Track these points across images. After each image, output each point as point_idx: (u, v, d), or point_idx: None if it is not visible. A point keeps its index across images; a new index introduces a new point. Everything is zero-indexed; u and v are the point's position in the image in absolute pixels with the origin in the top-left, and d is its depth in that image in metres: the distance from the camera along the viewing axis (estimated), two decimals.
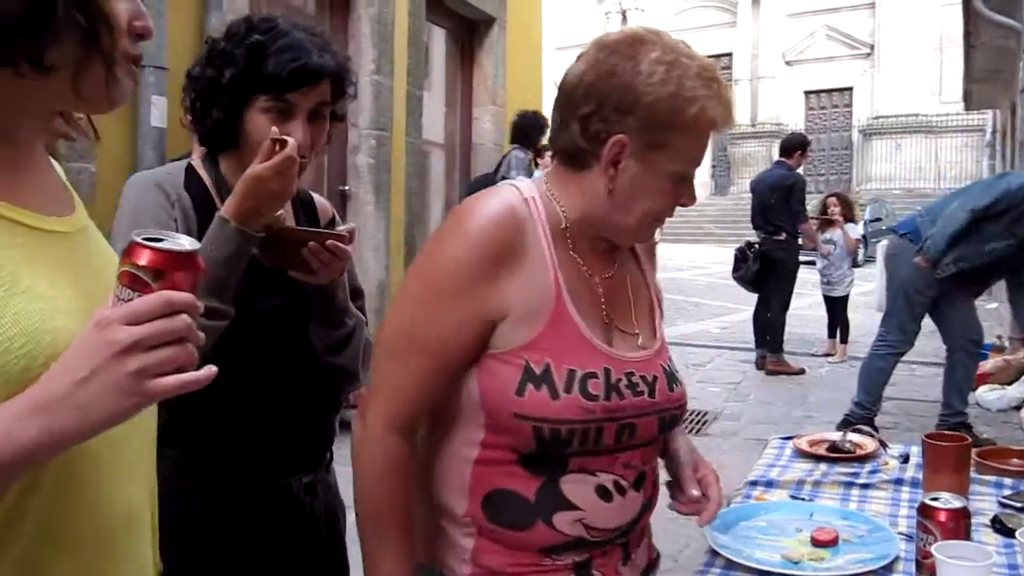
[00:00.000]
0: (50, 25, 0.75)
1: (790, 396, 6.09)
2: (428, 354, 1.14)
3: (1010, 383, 5.88)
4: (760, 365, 7.01)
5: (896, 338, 4.84)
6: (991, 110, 14.62)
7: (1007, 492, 1.62)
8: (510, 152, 6.45)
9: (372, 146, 5.95)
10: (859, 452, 1.84)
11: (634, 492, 1.20)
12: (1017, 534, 1.23)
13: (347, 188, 5.96)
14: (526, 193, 1.20)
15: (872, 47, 29.01)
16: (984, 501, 1.59)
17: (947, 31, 26.26)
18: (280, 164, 1.31)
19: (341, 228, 1.41)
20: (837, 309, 7.58)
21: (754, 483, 1.73)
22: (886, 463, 1.80)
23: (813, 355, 7.64)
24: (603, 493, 1.17)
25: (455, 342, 1.13)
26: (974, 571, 1.11)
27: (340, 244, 1.37)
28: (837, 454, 1.85)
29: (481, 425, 1.16)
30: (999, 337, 6.96)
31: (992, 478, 1.68)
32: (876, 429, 4.83)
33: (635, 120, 1.12)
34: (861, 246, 7.48)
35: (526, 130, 6.35)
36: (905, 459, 1.81)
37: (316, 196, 1.60)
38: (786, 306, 7.10)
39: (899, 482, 1.70)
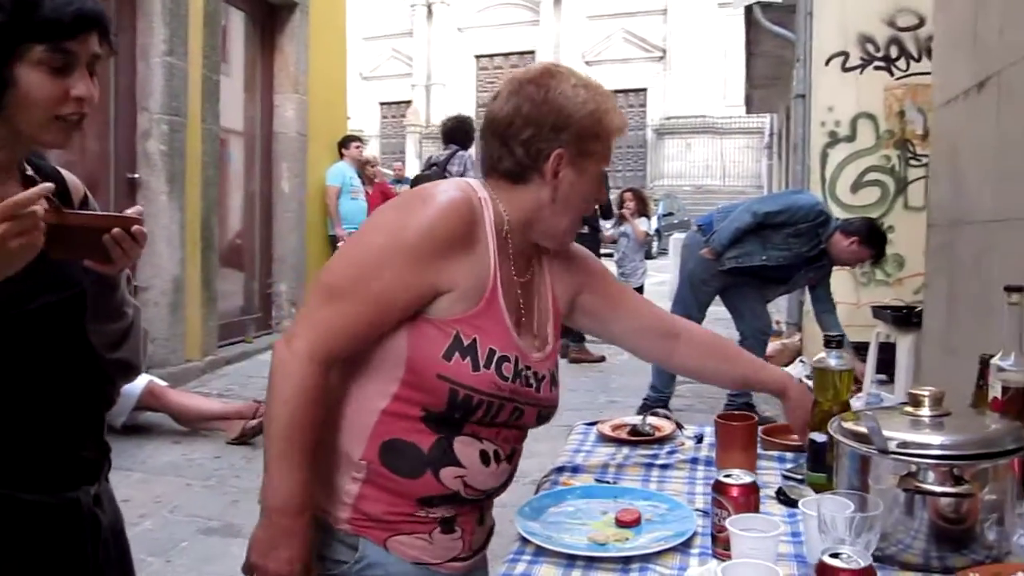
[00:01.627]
0: None
1: (593, 383, 6.32)
2: (370, 303, 1.27)
3: (787, 365, 6.39)
4: (564, 354, 7.23)
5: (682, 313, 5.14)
6: (769, 114, 15.81)
7: (789, 466, 1.73)
8: (457, 152, 6.72)
9: (165, 132, 5.61)
10: (658, 434, 1.92)
11: (506, 464, 1.41)
12: (800, 504, 1.31)
13: (137, 176, 5.59)
14: (478, 192, 1.39)
15: (664, 51, 30.66)
16: (770, 475, 1.69)
17: (731, 38, 28.21)
18: (24, 224, 1.08)
19: (130, 211, 1.27)
20: None
21: (560, 469, 1.76)
22: (683, 444, 1.89)
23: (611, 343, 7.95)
24: (484, 458, 1.36)
25: (400, 301, 1.28)
26: (764, 541, 1.18)
27: (142, 228, 1.25)
28: (638, 437, 1.91)
29: (397, 379, 1.31)
30: (777, 323, 7.54)
31: (775, 453, 1.80)
32: (671, 411, 5.13)
33: (568, 135, 1.36)
34: (655, 239, 7.85)
35: (465, 131, 6.81)
36: (699, 439, 1.90)
37: (65, 172, 1.42)
38: None
39: (695, 461, 1.78)
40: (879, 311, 4.76)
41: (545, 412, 1.44)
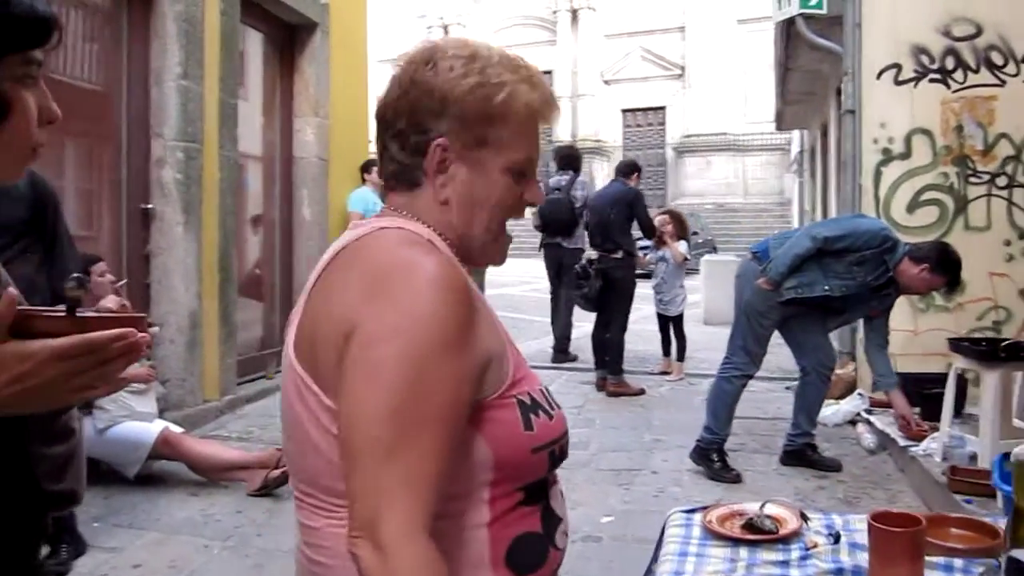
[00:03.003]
0: None
1: (635, 419, 5.93)
2: (444, 423, 0.99)
3: (841, 397, 5.99)
4: (600, 387, 6.85)
5: (741, 360, 4.73)
6: (797, 130, 15.43)
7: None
8: (577, 178, 7.47)
9: (180, 159, 5.31)
10: (782, 531, 1.56)
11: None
12: None
13: (151, 206, 5.28)
14: (418, 229, 1.11)
15: (683, 68, 30.39)
16: None
17: (751, 55, 27.91)
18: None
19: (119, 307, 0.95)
20: (673, 328, 7.56)
21: None
22: (815, 544, 1.52)
23: (650, 373, 7.57)
24: (562, 496, 1.19)
25: (464, 401, 1.02)
26: None
27: (148, 336, 0.91)
28: (758, 535, 1.55)
29: (487, 484, 1.07)
30: None
31: (939, 560, 1.43)
32: (726, 453, 4.74)
33: (448, 120, 1.09)
34: (687, 260, 7.50)
35: (577, 156, 7.74)
36: (836, 538, 1.53)
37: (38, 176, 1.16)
38: (626, 327, 6.99)
39: (839, 572, 1.42)
40: (958, 344, 4.36)
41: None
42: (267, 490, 4.15)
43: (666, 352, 7.65)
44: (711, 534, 1.59)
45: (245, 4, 6.06)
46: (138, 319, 0.89)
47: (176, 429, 4.41)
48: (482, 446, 1.05)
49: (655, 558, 1.64)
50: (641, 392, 6.77)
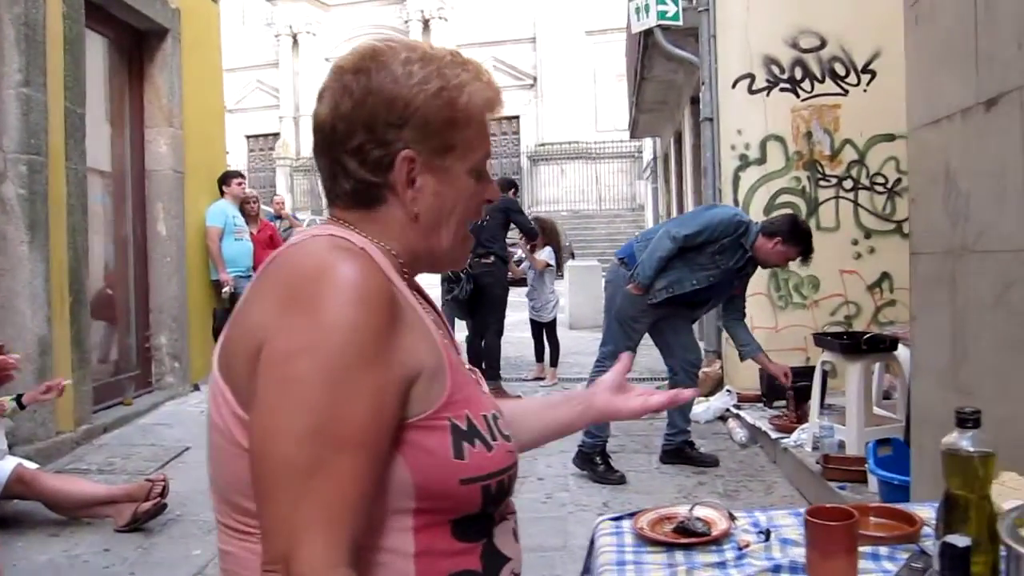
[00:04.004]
0: None
1: None
2: (364, 444, 0.91)
3: (711, 394, 6.21)
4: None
5: (612, 363, 4.81)
6: (649, 137, 15.96)
7: (887, 564, 1.42)
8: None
9: (23, 173, 4.92)
10: (713, 532, 1.57)
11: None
12: None
13: None
14: (351, 239, 1.02)
15: (535, 79, 30.92)
16: None
17: (600, 65, 28.74)
18: None
19: None
20: (547, 333, 7.64)
21: None
22: (747, 543, 1.54)
23: (524, 380, 7.63)
24: (515, 535, 1.11)
25: (384, 423, 0.94)
26: None
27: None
28: (691, 538, 1.55)
29: (409, 512, 0.98)
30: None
31: (867, 549, 1.47)
32: (608, 455, 4.81)
33: (412, 130, 1.03)
34: (548, 268, 7.58)
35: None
36: (767, 535, 1.56)
37: None
38: (501, 332, 7.02)
39: (777, 569, 1.44)
40: (822, 339, 4.60)
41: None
42: (137, 524, 3.89)
43: (539, 358, 7.73)
44: (644, 540, 1.58)
45: (89, 8, 5.69)
46: None
47: (30, 465, 4.06)
48: (401, 470, 0.96)
49: (588, 568, 1.62)
50: (518, 398, 6.79)
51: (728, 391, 6.04)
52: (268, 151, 32.29)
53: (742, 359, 5.03)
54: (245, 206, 7.77)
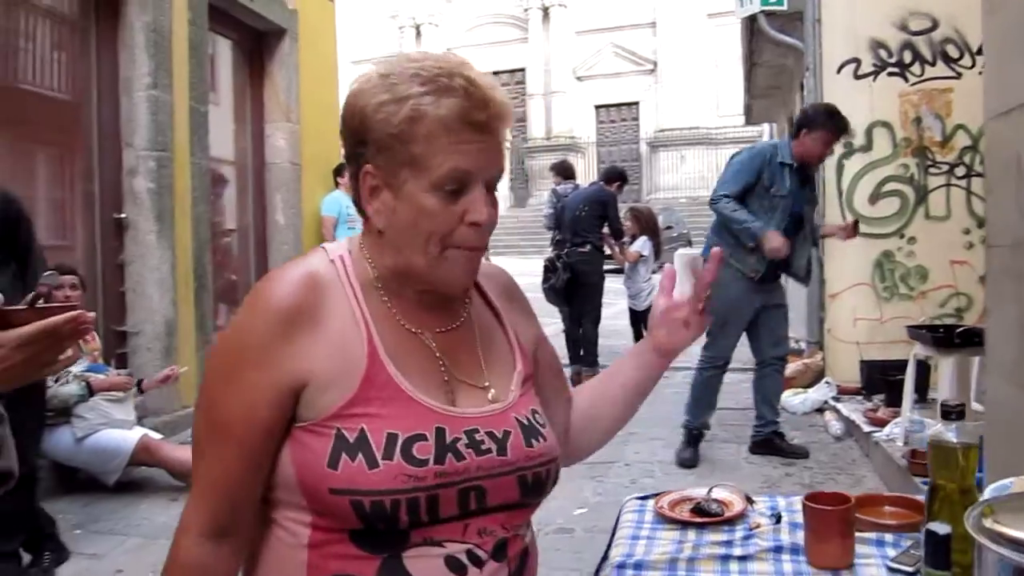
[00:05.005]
0: None
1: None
2: (232, 439, 1.03)
3: (809, 386, 6.12)
4: (576, 382, 6.95)
5: (719, 354, 4.82)
6: (768, 123, 15.61)
7: (892, 552, 1.47)
8: (574, 184, 7.87)
9: (152, 168, 5.35)
10: (727, 513, 1.65)
11: (495, 563, 1.06)
12: None
13: (124, 216, 5.32)
14: (333, 253, 1.12)
15: (655, 64, 30.54)
16: (870, 566, 1.43)
17: (722, 49, 28.12)
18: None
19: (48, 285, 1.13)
20: (643, 321, 7.67)
21: (622, 566, 1.49)
22: (758, 525, 1.62)
23: None
24: (455, 566, 1.04)
25: (257, 420, 1.02)
26: None
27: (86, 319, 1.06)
28: (705, 518, 1.64)
29: (303, 506, 1.04)
30: (796, 341, 7.26)
31: (871, 535, 1.53)
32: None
33: (371, 145, 1.05)
34: (643, 257, 7.61)
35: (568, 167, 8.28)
36: (777, 519, 1.63)
37: None
38: (598, 319, 7.12)
39: (779, 550, 1.52)
40: (916, 331, 4.50)
41: (532, 476, 1.09)
42: None
43: None
44: (662, 518, 1.68)
45: (213, 12, 6.10)
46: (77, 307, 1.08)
47: (155, 435, 4.47)
48: (288, 466, 1.04)
49: (610, 543, 1.73)
50: None
51: (827, 383, 5.94)
52: None
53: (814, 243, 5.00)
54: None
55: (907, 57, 6.00)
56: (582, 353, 7.05)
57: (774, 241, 4.43)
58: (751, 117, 13.48)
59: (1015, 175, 2.50)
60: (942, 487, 1.30)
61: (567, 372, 6.85)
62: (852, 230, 4.88)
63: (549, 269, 7.01)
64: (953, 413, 1.30)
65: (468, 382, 1.11)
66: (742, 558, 1.49)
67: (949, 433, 1.31)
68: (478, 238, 1.06)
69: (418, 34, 33.17)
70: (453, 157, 1.01)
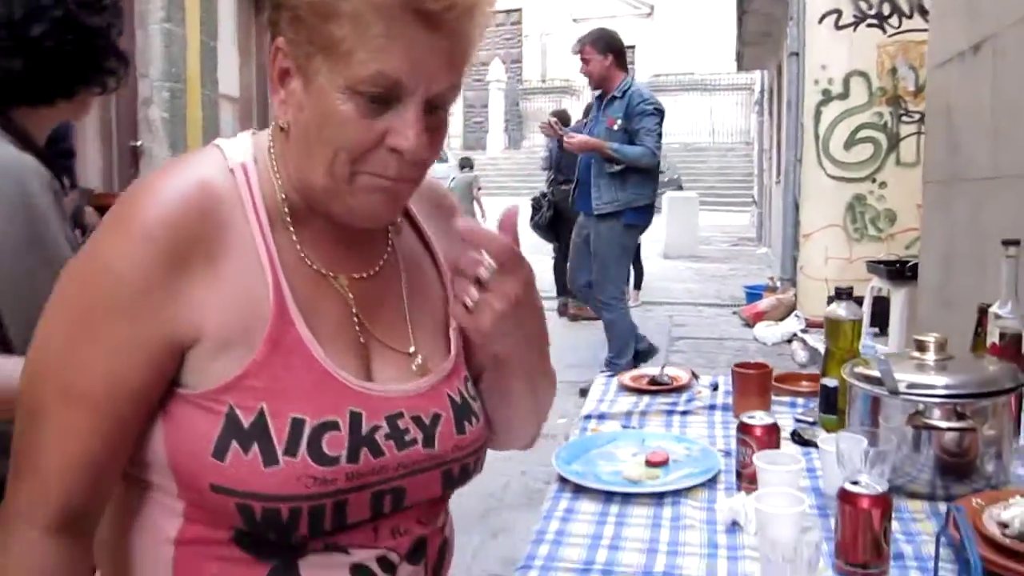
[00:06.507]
0: None
1: (593, 340, 6.45)
2: (92, 408, 0.78)
3: (782, 319, 6.55)
4: (562, 312, 7.36)
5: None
6: (760, 71, 15.82)
7: (800, 410, 1.87)
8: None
9: (165, 99, 5.65)
10: (676, 384, 2.05)
11: (409, 566, 0.89)
12: (819, 441, 1.44)
13: (139, 143, 5.64)
14: (232, 159, 0.85)
15: (652, 7, 30.47)
16: (783, 419, 1.82)
17: None
18: None
19: None
20: None
21: (588, 417, 1.89)
22: (699, 392, 2.02)
23: None
24: (361, 573, 0.85)
25: (126, 385, 0.79)
26: (789, 474, 1.31)
27: None
28: (657, 387, 2.04)
29: (175, 493, 0.83)
30: (771, 279, 7.69)
31: (787, 399, 1.93)
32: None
33: (284, 11, 0.79)
34: None
35: None
36: (715, 387, 2.03)
37: None
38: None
39: (712, 408, 1.91)
40: (873, 265, 4.90)
41: (459, 468, 0.91)
42: None
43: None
44: (623, 388, 2.08)
45: None
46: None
47: None
48: (158, 443, 0.82)
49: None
50: (599, 317, 7.30)
51: (797, 316, 6.37)
52: None
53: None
54: None
55: (886, 9, 6.30)
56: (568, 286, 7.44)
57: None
58: (742, 64, 13.70)
59: (946, 120, 2.87)
60: (832, 352, 1.70)
61: (553, 304, 7.28)
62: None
63: (535, 207, 7.37)
64: (844, 294, 1.69)
65: (389, 345, 0.89)
66: (683, 412, 1.89)
67: (840, 310, 1.70)
68: (397, 169, 0.80)
69: None
70: (382, 56, 0.75)
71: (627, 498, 1.44)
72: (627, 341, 5.17)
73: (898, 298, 4.43)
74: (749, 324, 6.82)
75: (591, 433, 1.77)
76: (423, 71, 0.77)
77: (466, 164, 10.24)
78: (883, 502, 1.15)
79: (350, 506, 0.82)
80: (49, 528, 0.79)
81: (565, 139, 5.13)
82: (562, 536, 1.33)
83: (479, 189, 10.17)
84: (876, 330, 5.02)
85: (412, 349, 0.90)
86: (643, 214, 5.02)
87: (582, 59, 5.01)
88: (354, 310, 0.88)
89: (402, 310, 0.92)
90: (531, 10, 31.24)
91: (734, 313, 7.22)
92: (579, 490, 1.48)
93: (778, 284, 7.37)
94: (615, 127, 4.86)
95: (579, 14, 31.31)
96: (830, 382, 1.68)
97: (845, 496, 1.16)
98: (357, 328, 0.88)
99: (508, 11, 31.26)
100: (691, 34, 29.42)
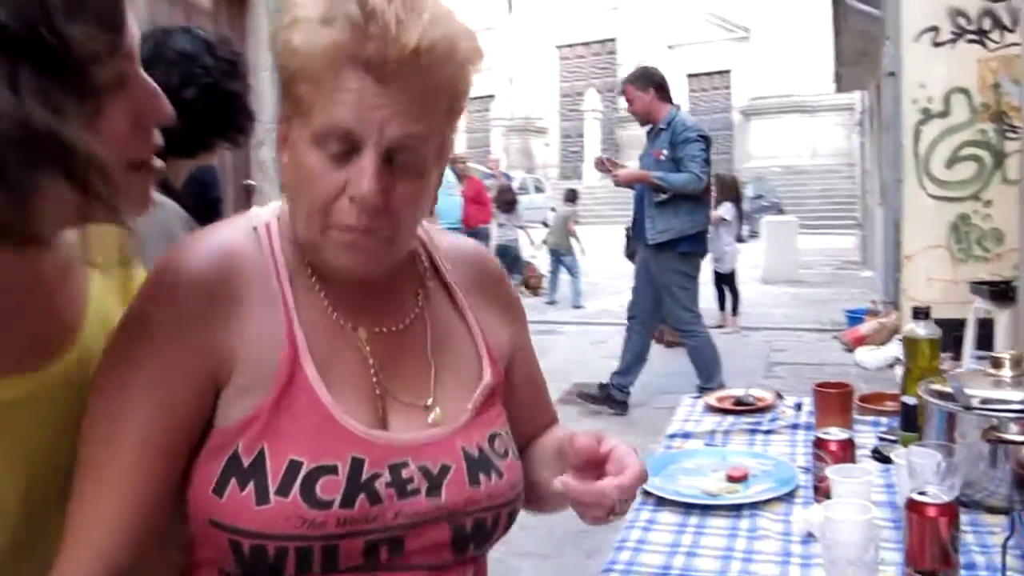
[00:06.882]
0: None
1: (688, 367, 6.45)
2: (126, 455, 0.80)
3: (884, 343, 6.41)
4: (659, 339, 7.38)
5: None
6: (860, 91, 15.50)
7: (883, 429, 1.90)
8: None
9: (275, 140, 5.99)
10: (760, 404, 2.10)
11: None
12: (892, 455, 1.49)
13: (252, 182, 6.00)
14: (257, 219, 0.92)
15: (748, 30, 30.18)
16: (866, 437, 1.86)
17: (817, 15, 27.60)
18: None
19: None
20: (726, 283, 8.03)
21: (673, 435, 1.97)
22: (783, 412, 2.07)
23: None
24: None
25: (161, 431, 0.82)
26: (860, 485, 1.36)
27: None
28: (742, 407, 2.10)
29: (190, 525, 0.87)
30: (873, 302, 7.52)
31: (870, 418, 1.96)
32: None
33: (279, 82, 0.85)
34: (726, 222, 7.94)
35: None
36: (798, 407, 2.08)
37: None
38: None
39: (795, 427, 1.96)
40: (976, 286, 4.78)
41: (473, 523, 0.88)
42: None
43: (720, 306, 8.13)
44: (709, 408, 2.14)
45: None
46: None
47: None
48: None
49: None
50: None
51: (899, 340, 6.21)
52: (484, 112, 33.70)
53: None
54: (454, 165, 8.70)
55: (986, 24, 6.15)
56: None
57: None
58: (841, 84, 13.47)
59: None
60: (911, 370, 1.73)
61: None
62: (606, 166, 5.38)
63: (629, 239, 7.45)
64: (922, 313, 1.73)
65: (406, 397, 0.90)
66: (767, 432, 1.95)
67: (919, 329, 1.73)
68: (356, 218, 0.81)
69: (509, 6, 33.52)
70: (333, 108, 0.79)
71: (706, 510, 1.51)
72: (712, 366, 5.19)
73: (1002, 319, 4.31)
74: (850, 349, 6.69)
75: (675, 450, 1.85)
76: (374, 120, 0.79)
77: (570, 197, 10.35)
78: (950, 510, 1.20)
79: (341, 552, 0.82)
80: None
81: (612, 173, 5.27)
82: (643, 544, 1.41)
83: (575, 223, 10.24)
84: (981, 353, 4.91)
85: (430, 402, 0.91)
86: (697, 242, 5.11)
87: (626, 99, 5.18)
88: (371, 361, 0.89)
89: (425, 365, 0.93)
90: (625, 39, 31.40)
91: (834, 338, 7.10)
92: (661, 502, 1.56)
93: (880, 307, 7.21)
94: (661, 157, 4.99)
95: (674, 41, 31.31)
96: (910, 400, 1.71)
97: (912, 505, 1.22)
98: (374, 379, 0.89)
99: (602, 41, 31.53)
100: (789, 55, 28.98)
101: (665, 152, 4.96)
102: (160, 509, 0.82)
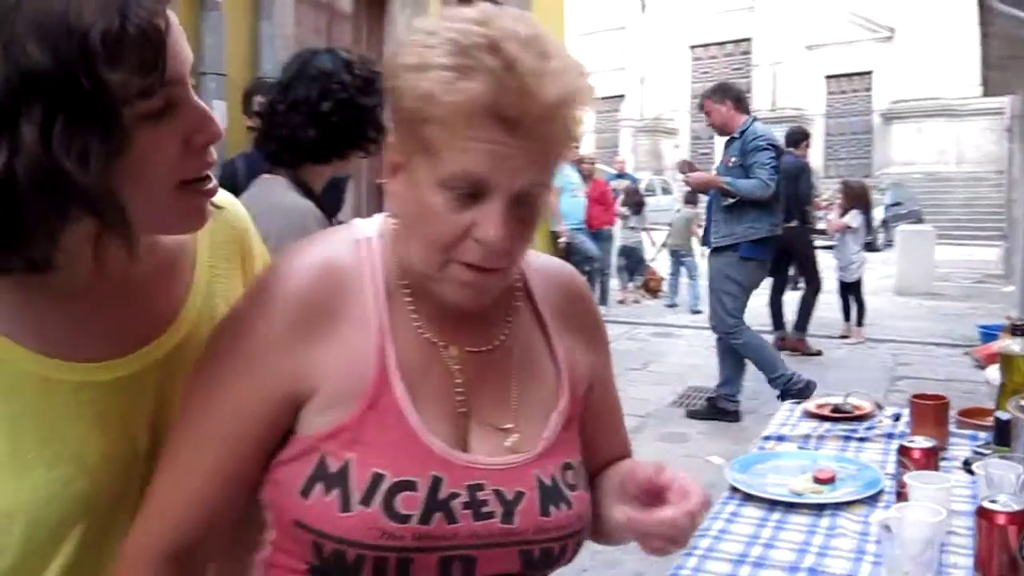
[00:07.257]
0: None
1: (807, 375, 6.38)
2: (214, 449, 0.89)
3: None
4: (780, 346, 7.30)
5: None
6: (1009, 95, 14.69)
7: (980, 443, 1.92)
8: None
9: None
10: (857, 412, 2.15)
11: None
12: (974, 467, 1.54)
13: (384, 182, 6.31)
14: (361, 232, 0.96)
15: (892, 31, 28.98)
16: (961, 449, 1.89)
17: (963, 16, 26.23)
18: None
19: None
20: (851, 293, 7.85)
21: (767, 438, 2.05)
22: (881, 421, 2.11)
23: (830, 337, 7.92)
24: None
25: (248, 429, 0.89)
26: (938, 491, 1.42)
27: None
28: (839, 414, 2.15)
29: (268, 523, 0.94)
30: (1009, 318, 7.19)
31: (968, 432, 1.99)
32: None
33: (395, 113, 0.87)
34: (852, 230, 7.74)
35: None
36: (897, 418, 2.11)
37: None
38: (818, 289, 7.41)
39: (890, 436, 2.00)
40: None
41: (540, 551, 0.91)
42: None
43: (846, 316, 7.95)
44: (806, 414, 2.21)
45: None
46: None
47: None
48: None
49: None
50: (818, 354, 7.17)
51: None
52: (614, 112, 33.62)
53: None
54: (580, 166, 8.83)
55: None
56: (796, 317, 7.41)
57: None
58: (988, 89, 12.83)
59: None
60: (1006, 385, 1.76)
61: (768, 338, 7.28)
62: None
63: None
64: (1019, 330, 1.75)
65: (488, 419, 0.93)
66: (861, 439, 2.00)
67: (1015, 346, 1.76)
68: (483, 258, 0.85)
69: (643, 6, 33.32)
70: (466, 156, 0.82)
71: (789, 508, 1.60)
72: (771, 356, 5.30)
73: None
74: (982, 366, 6.42)
75: (768, 451, 1.93)
76: (506, 170, 0.83)
77: (690, 199, 10.31)
78: (1020, 519, 1.25)
79: (415, 565, 0.86)
80: (165, 558, 0.88)
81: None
82: (724, 534, 1.52)
83: (699, 226, 10.20)
84: None
85: (510, 426, 0.94)
86: (761, 247, 5.12)
87: (705, 113, 5.31)
88: (458, 380, 0.93)
89: (509, 388, 0.95)
90: (761, 39, 30.69)
91: (965, 354, 6.84)
92: (747, 498, 1.66)
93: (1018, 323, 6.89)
94: (731, 164, 5.14)
95: (813, 41, 30.38)
96: (1004, 415, 1.74)
97: (982, 512, 1.28)
98: (459, 399, 0.92)
99: (737, 41, 30.94)
100: (934, 57, 27.61)
101: (734, 159, 5.12)
102: (227, 502, 0.90)
